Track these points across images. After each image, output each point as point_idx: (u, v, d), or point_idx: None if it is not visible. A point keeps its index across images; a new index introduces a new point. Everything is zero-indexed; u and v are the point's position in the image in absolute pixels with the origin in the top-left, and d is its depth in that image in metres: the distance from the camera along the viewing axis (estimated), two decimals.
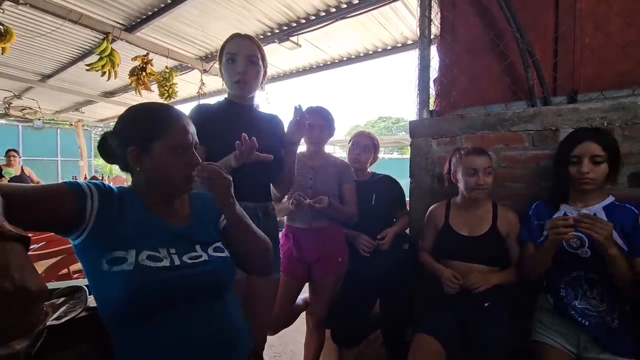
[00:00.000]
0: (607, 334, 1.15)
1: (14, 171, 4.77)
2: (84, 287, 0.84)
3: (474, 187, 1.36)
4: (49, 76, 5.48)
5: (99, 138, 0.89)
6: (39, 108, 7.09)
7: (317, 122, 1.67)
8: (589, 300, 1.19)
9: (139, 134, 0.81)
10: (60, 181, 0.75)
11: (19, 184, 0.70)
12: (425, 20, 1.80)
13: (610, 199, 1.20)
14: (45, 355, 0.66)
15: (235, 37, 1.29)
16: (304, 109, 1.31)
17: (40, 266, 2.04)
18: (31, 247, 2.38)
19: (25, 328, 0.52)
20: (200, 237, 0.88)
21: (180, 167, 0.82)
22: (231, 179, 0.87)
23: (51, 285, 1.12)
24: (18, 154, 4.92)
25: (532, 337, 1.32)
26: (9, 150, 4.89)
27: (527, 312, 1.37)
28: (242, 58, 1.26)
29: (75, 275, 2.24)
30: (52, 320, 0.71)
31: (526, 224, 1.33)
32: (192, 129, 0.87)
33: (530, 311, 1.36)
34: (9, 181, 4.54)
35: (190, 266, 0.80)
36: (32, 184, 0.71)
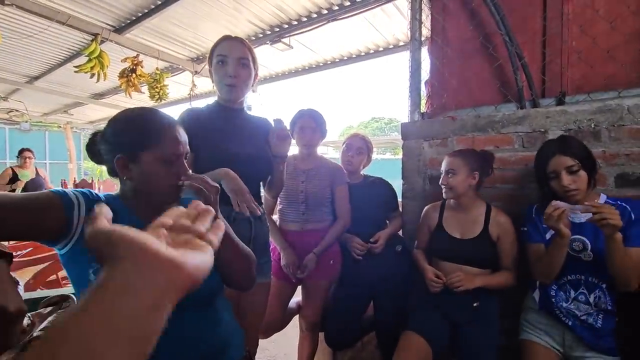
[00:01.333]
0: (591, 333, 1.17)
1: (30, 174, 4.48)
2: (72, 295, 0.82)
3: (440, 186, 1.45)
4: (37, 78, 5.38)
5: (87, 139, 0.86)
6: (26, 110, 6.96)
7: (309, 125, 1.67)
8: (578, 305, 1.19)
9: (128, 142, 0.78)
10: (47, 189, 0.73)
11: (4, 192, 0.68)
12: (416, 23, 1.82)
13: (603, 198, 1.21)
14: None
15: (226, 39, 1.28)
16: (283, 119, 1.32)
17: (29, 272, 1.99)
18: (19, 252, 2.34)
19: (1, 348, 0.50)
20: None
21: (168, 178, 0.80)
22: (219, 186, 0.85)
23: (39, 293, 1.10)
24: (33, 155, 4.56)
25: (520, 337, 1.34)
26: (23, 150, 4.49)
27: (518, 312, 1.39)
28: (233, 60, 1.25)
29: (64, 282, 2.20)
30: (39, 330, 0.69)
31: (534, 227, 1.30)
32: (184, 138, 0.85)
33: (520, 311, 1.38)
34: (25, 184, 4.30)
35: None
36: (19, 194, 0.69)
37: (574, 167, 1.16)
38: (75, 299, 0.81)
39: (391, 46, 4.12)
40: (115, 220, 0.76)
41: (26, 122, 7.64)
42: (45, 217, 0.68)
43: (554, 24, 1.57)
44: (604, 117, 1.37)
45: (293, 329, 1.90)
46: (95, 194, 0.78)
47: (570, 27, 1.54)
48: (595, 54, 1.49)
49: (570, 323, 1.20)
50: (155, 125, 0.80)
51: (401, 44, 4.01)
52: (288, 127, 1.64)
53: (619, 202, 1.19)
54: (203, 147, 1.18)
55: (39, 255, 2.11)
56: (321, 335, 1.80)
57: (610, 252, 1.07)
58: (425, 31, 1.89)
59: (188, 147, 0.86)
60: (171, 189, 0.81)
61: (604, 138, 1.38)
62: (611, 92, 1.44)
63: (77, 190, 0.75)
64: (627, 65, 1.42)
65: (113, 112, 0.84)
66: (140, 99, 4.94)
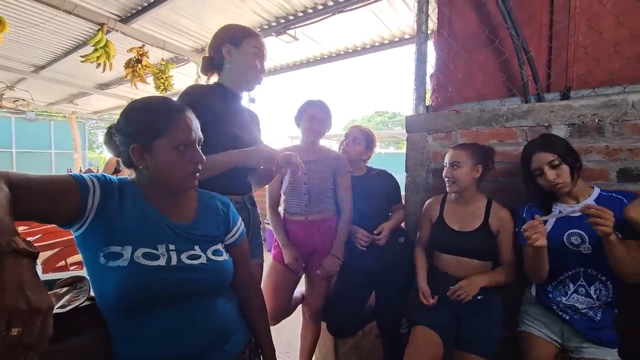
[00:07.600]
0: (590, 325, 1.19)
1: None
2: (86, 277, 0.85)
3: (444, 178, 1.47)
4: (42, 67, 5.41)
5: (105, 131, 0.87)
6: (32, 100, 7.01)
7: (318, 115, 1.69)
8: (578, 297, 1.21)
9: (141, 131, 0.79)
10: (60, 173, 0.75)
11: (25, 173, 0.70)
12: (422, 16, 1.82)
13: (596, 192, 1.23)
14: (53, 342, 0.68)
15: (258, 35, 1.32)
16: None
17: (39, 258, 2.04)
18: (29, 239, 2.39)
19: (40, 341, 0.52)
20: (201, 237, 0.87)
21: (182, 165, 0.81)
22: None
23: (52, 276, 1.13)
24: None
25: (518, 328, 1.36)
26: None
27: (518, 304, 1.41)
28: (264, 59, 1.32)
29: (72, 268, 2.25)
30: (57, 308, 0.72)
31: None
32: (195, 124, 0.85)
33: (520, 304, 1.40)
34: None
35: (187, 268, 0.79)
36: (40, 175, 0.71)
37: (554, 162, 1.20)
38: (89, 280, 0.83)
39: (397, 39, 4.11)
40: (126, 206, 0.79)
41: (32, 111, 7.69)
42: (62, 200, 0.70)
43: (561, 18, 1.57)
44: (608, 112, 1.37)
45: (296, 317, 1.93)
46: (109, 177, 0.80)
47: (577, 21, 1.54)
48: (601, 48, 1.48)
49: (567, 317, 1.22)
50: (165, 113, 0.81)
51: (407, 36, 4.00)
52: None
53: (613, 195, 1.20)
54: (209, 129, 1.18)
55: (47, 242, 2.16)
56: (323, 324, 1.84)
57: (607, 252, 1.09)
58: (432, 24, 1.88)
59: (200, 132, 0.87)
60: (186, 176, 0.83)
61: (607, 133, 1.38)
62: (616, 87, 1.45)
63: (92, 175, 0.77)
64: (632, 60, 1.42)
65: (118, 103, 0.86)
66: (146, 90, 4.96)
